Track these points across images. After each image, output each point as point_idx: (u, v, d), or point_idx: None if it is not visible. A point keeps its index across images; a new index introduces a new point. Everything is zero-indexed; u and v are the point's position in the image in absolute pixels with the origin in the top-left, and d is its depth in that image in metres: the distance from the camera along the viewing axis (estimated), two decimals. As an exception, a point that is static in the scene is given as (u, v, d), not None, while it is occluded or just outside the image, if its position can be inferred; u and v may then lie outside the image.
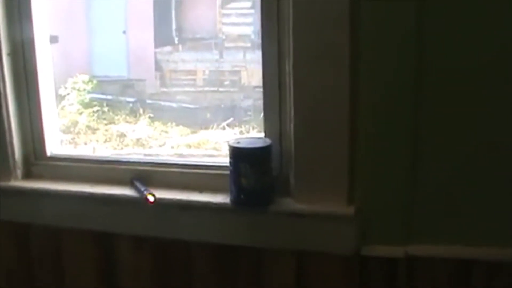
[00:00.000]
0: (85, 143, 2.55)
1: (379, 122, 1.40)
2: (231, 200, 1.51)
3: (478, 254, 1.41)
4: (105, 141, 2.62)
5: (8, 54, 1.68)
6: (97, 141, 2.58)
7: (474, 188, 1.39)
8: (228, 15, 2.87)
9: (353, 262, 1.48)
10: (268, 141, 1.49)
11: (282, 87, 1.49)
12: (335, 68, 1.38)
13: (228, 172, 1.52)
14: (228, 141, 1.50)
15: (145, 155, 2.02)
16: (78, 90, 2.74)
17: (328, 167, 1.44)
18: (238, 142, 1.49)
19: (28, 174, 1.76)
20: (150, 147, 2.54)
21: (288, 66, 1.44)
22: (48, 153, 1.75)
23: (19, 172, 1.74)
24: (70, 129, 2.54)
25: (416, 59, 1.34)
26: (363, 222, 1.45)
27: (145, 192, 1.56)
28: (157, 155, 2.22)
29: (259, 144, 1.49)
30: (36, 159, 1.76)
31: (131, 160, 1.72)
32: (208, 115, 2.62)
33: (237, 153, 1.47)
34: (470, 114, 1.36)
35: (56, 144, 1.78)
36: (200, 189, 1.60)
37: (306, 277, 1.54)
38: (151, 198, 1.55)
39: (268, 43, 1.49)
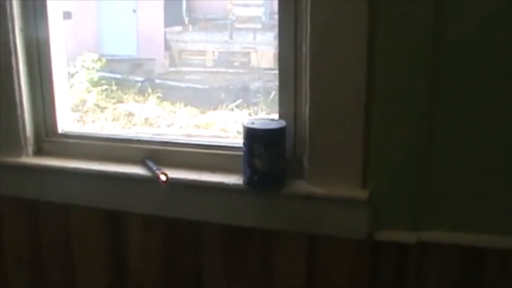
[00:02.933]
0: (93, 122, 2.54)
1: (394, 107, 1.38)
2: (244, 181, 1.50)
3: (491, 241, 1.40)
4: (113, 119, 2.61)
5: (21, 29, 1.67)
6: (106, 119, 2.57)
7: (489, 176, 1.38)
8: (239, -5, 2.84)
9: (365, 247, 1.48)
10: (282, 123, 1.48)
11: (298, 68, 1.48)
12: (353, 50, 1.37)
13: (239, 153, 1.51)
14: (242, 122, 1.49)
15: (154, 134, 2.01)
16: (87, 68, 2.73)
17: (343, 151, 1.43)
18: (253, 123, 1.48)
19: (39, 151, 1.75)
20: (158, 126, 2.53)
21: (305, 48, 1.42)
22: (60, 130, 1.75)
23: (30, 148, 1.73)
24: (79, 107, 2.53)
25: (432, 44, 1.32)
26: (376, 207, 1.44)
27: (157, 172, 1.55)
28: (165, 134, 2.21)
29: (274, 125, 1.48)
30: (47, 136, 1.75)
31: (143, 138, 1.71)
32: (217, 96, 2.60)
33: (251, 134, 1.46)
34: (485, 103, 1.34)
35: (67, 121, 1.77)
36: (212, 169, 1.59)
37: (317, 261, 1.53)
38: (163, 178, 1.54)
39: (285, 24, 1.48)
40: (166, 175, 1.54)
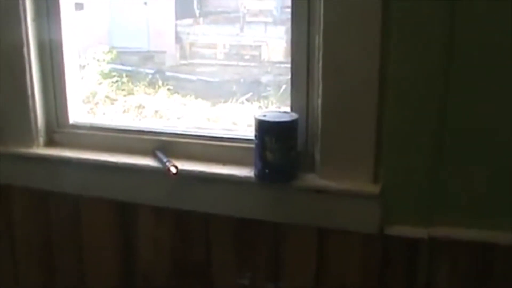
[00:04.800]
0: (104, 113, 2.53)
1: (407, 101, 1.38)
2: (255, 174, 1.50)
3: (501, 238, 1.39)
4: (124, 111, 2.60)
5: (33, 20, 1.67)
6: (116, 111, 2.56)
7: (500, 173, 1.37)
8: (251, -11, 2.83)
9: (375, 241, 1.47)
10: (294, 115, 1.48)
11: (311, 61, 1.47)
12: (366, 45, 1.36)
13: (251, 145, 1.51)
14: (254, 115, 1.49)
15: (164, 126, 2.00)
16: (98, 60, 2.72)
17: (355, 145, 1.43)
18: (265, 116, 1.48)
19: (50, 142, 1.76)
20: (168, 119, 2.52)
21: (318, 41, 1.42)
22: (71, 121, 1.75)
23: (41, 139, 1.74)
24: (89, 99, 2.52)
25: (446, 38, 1.32)
26: (388, 202, 1.43)
27: (167, 164, 1.55)
28: (175, 127, 2.20)
29: (286, 118, 1.47)
30: (59, 127, 1.75)
31: (154, 130, 1.71)
32: (227, 89, 2.59)
33: (263, 126, 1.46)
34: (498, 98, 1.33)
35: (79, 112, 1.78)
36: (223, 161, 1.59)
37: (327, 254, 1.53)
38: (173, 170, 1.54)
39: (298, 16, 1.47)
40: (176, 167, 1.54)
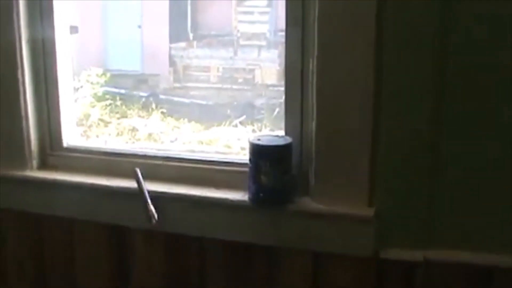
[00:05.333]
0: (97, 136, 2.53)
1: (402, 124, 1.38)
2: (249, 198, 1.49)
3: (499, 260, 1.39)
4: (117, 134, 2.60)
5: (27, 41, 1.67)
6: (109, 134, 2.56)
7: (497, 194, 1.37)
8: (244, 12, 2.85)
9: (370, 265, 1.46)
10: (289, 139, 1.48)
11: (304, 84, 1.48)
12: (360, 69, 1.37)
13: (244, 169, 1.51)
14: (248, 138, 1.49)
15: (158, 150, 2.01)
16: (92, 83, 2.72)
17: (349, 168, 1.43)
18: (259, 139, 1.48)
19: (43, 165, 1.75)
20: (162, 142, 2.52)
21: (312, 64, 1.42)
22: (65, 144, 1.74)
23: (34, 162, 1.73)
24: (83, 122, 2.52)
25: (439, 51, 1.32)
26: (383, 225, 1.43)
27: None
28: (169, 150, 2.21)
29: (280, 142, 1.47)
30: (52, 150, 1.75)
31: (148, 154, 1.71)
32: (221, 112, 2.60)
33: (257, 150, 1.46)
34: (494, 112, 1.34)
35: (72, 135, 1.77)
36: (216, 185, 1.58)
37: (322, 278, 1.52)
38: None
39: (292, 38, 1.48)
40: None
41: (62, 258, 1.76)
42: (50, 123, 1.73)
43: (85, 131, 2.52)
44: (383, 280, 1.47)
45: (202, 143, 2.45)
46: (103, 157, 1.71)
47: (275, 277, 1.56)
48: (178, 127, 2.59)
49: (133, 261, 1.69)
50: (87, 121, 2.59)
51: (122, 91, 2.78)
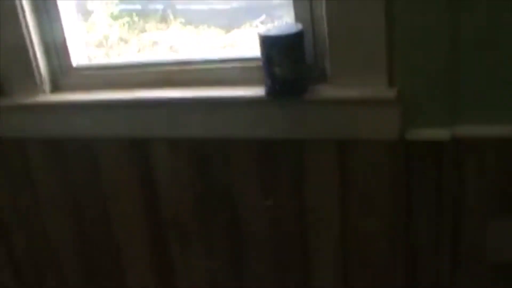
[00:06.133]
0: (119, 55, 2.50)
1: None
2: (266, 92, 1.44)
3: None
4: (139, 50, 2.56)
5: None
6: (130, 51, 2.52)
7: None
8: None
9: (398, 147, 1.42)
10: (299, 26, 1.40)
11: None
12: None
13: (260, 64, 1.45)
14: (257, 32, 1.42)
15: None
16: (106, 3, 2.66)
17: (365, 48, 1.35)
18: (268, 31, 1.41)
19: (56, 88, 1.72)
20: (184, 51, 2.47)
21: None
22: (74, 64, 1.70)
23: (46, 86, 1.70)
24: (103, 43, 2.48)
25: None
26: (406, 105, 1.37)
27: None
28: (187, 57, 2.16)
29: (290, 30, 1.40)
30: (63, 72, 1.71)
31: (161, 61, 1.67)
32: (240, 14, 2.52)
33: (267, 41, 1.39)
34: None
35: (82, 54, 1.73)
36: (234, 84, 1.54)
37: (349, 166, 1.48)
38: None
39: None
40: None
41: (88, 178, 1.76)
42: (56, 45, 1.68)
43: (106, 52, 2.49)
44: (411, 162, 1.43)
45: (224, 47, 2.40)
46: (115, 71, 1.68)
47: (303, 170, 1.53)
48: (199, 34, 2.54)
49: (158, 172, 1.68)
50: (107, 42, 2.56)
51: (138, 6, 2.72)
